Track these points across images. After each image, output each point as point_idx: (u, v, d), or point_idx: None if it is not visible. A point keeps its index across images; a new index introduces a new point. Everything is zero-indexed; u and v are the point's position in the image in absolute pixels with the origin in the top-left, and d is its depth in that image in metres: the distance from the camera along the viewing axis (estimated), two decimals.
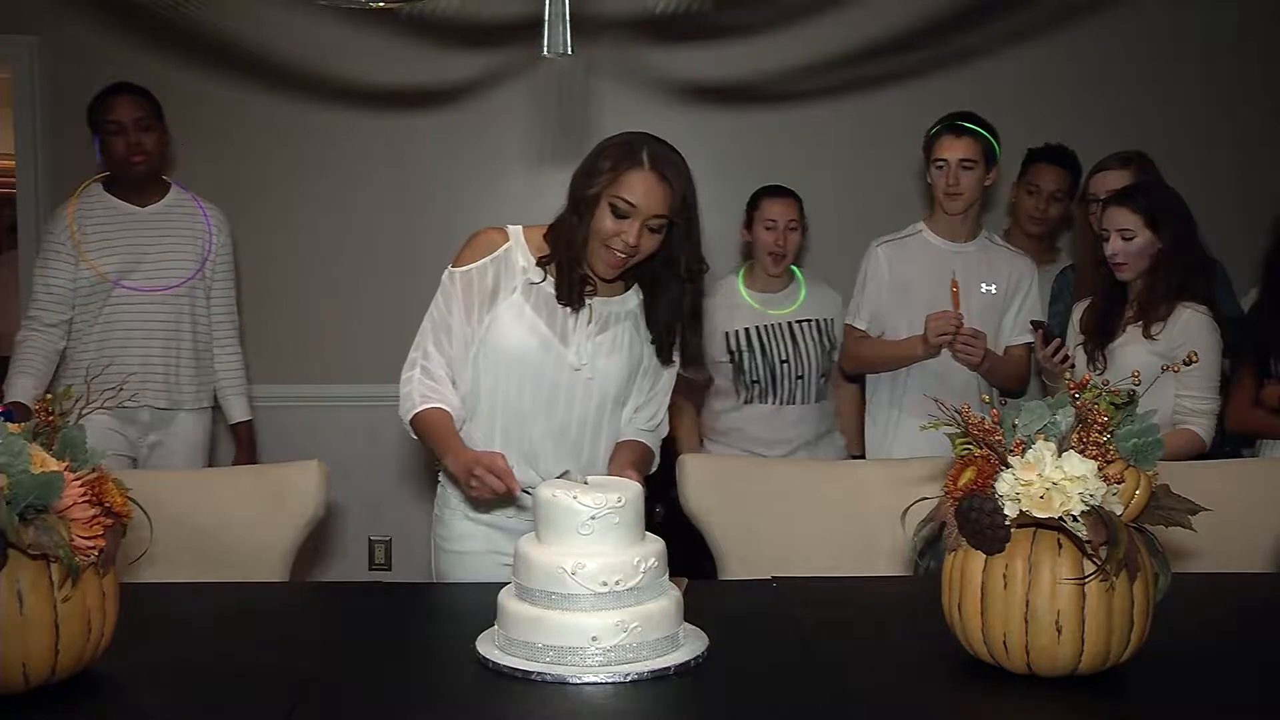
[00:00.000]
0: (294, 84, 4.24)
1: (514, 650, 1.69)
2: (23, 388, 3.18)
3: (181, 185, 3.46)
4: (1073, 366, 2.92)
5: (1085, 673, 1.60)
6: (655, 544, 1.75)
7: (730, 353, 3.48)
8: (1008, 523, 1.58)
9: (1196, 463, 2.62)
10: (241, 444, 3.51)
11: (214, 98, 4.27)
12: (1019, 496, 1.56)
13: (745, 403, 3.50)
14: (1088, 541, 1.54)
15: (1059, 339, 3.01)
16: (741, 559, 2.42)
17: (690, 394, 3.54)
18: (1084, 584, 1.56)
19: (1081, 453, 1.57)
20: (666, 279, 2.21)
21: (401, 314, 2.64)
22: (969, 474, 1.63)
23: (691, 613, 1.78)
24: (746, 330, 3.48)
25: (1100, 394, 1.62)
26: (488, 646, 1.73)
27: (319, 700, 1.59)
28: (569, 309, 2.21)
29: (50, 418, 1.61)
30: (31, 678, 1.54)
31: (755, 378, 3.47)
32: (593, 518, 1.70)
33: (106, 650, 1.64)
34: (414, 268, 3.80)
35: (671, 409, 2.40)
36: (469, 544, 2.31)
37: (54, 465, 1.54)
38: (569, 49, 2.04)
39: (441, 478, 2.36)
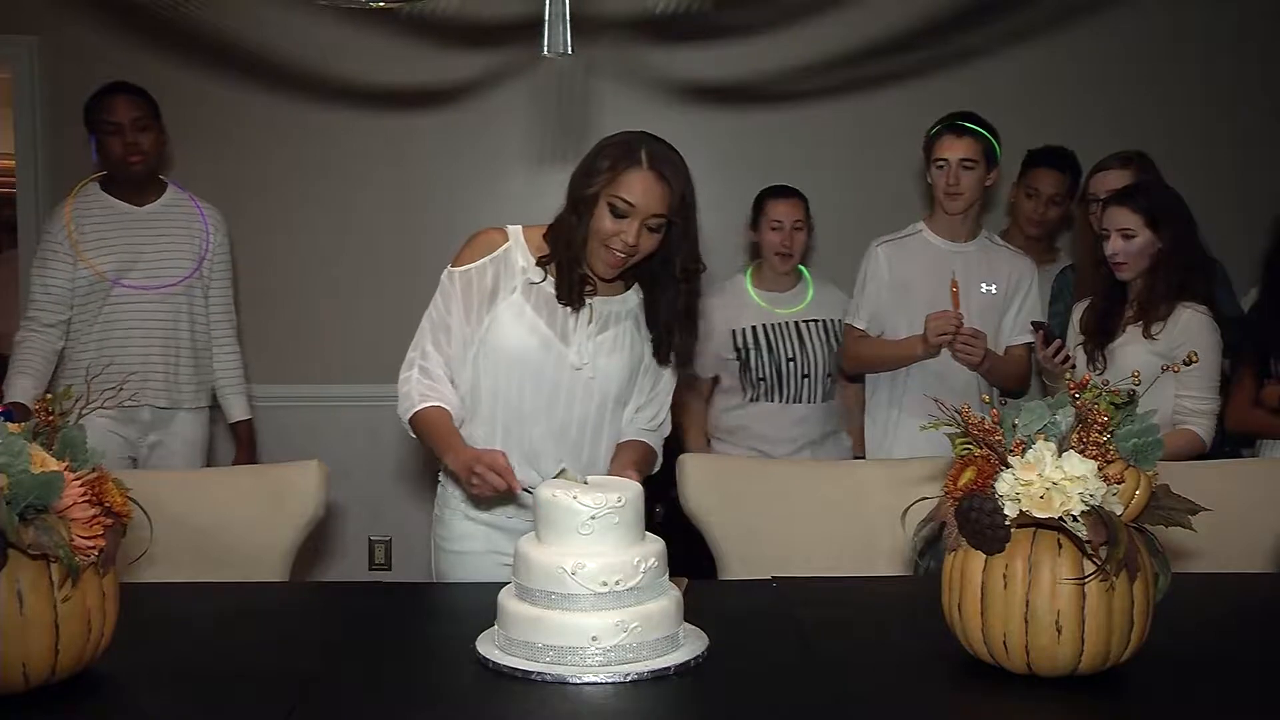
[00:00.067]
0: (294, 84, 4.24)
1: (514, 650, 1.68)
2: (22, 388, 3.18)
3: (178, 185, 3.46)
4: (1073, 367, 2.92)
5: (1085, 673, 1.59)
6: (655, 544, 1.75)
7: (737, 350, 3.49)
8: (1008, 523, 1.58)
9: (1196, 463, 2.62)
10: (241, 443, 3.51)
11: (214, 98, 4.27)
12: (1019, 496, 1.56)
13: (751, 400, 3.51)
14: (1088, 541, 1.54)
15: (1059, 339, 3.00)
16: (741, 559, 2.42)
17: (698, 391, 3.55)
18: (1084, 584, 1.56)
19: (1081, 453, 1.57)
20: (665, 278, 2.21)
21: (401, 314, 2.63)
22: (969, 474, 1.63)
23: (691, 613, 1.78)
24: (753, 328, 3.49)
25: (1100, 394, 1.62)
26: (488, 646, 1.73)
27: (319, 700, 1.59)
28: (569, 308, 2.20)
29: (50, 418, 1.61)
30: (31, 678, 1.54)
31: (761, 375, 3.48)
32: (593, 518, 1.69)
33: (106, 650, 1.64)
34: (414, 268, 3.79)
35: (680, 406, 2.39)
36: (469, 544, 2.31)
37: (54, 465, 1.54)
38: (569, 49, 2.04)
39: (442, 477, 2.36)
